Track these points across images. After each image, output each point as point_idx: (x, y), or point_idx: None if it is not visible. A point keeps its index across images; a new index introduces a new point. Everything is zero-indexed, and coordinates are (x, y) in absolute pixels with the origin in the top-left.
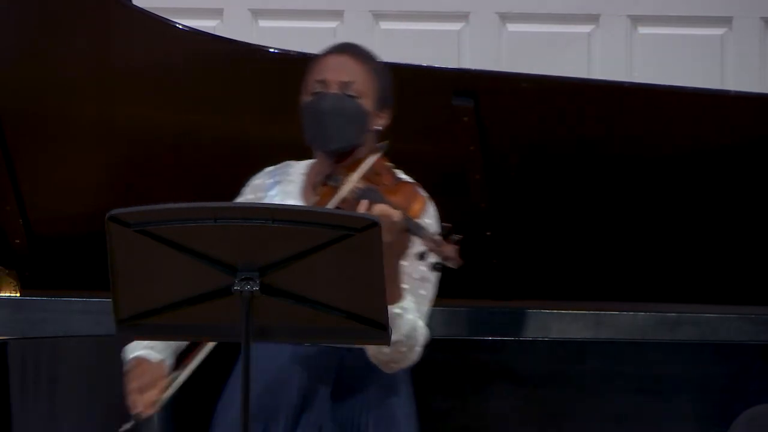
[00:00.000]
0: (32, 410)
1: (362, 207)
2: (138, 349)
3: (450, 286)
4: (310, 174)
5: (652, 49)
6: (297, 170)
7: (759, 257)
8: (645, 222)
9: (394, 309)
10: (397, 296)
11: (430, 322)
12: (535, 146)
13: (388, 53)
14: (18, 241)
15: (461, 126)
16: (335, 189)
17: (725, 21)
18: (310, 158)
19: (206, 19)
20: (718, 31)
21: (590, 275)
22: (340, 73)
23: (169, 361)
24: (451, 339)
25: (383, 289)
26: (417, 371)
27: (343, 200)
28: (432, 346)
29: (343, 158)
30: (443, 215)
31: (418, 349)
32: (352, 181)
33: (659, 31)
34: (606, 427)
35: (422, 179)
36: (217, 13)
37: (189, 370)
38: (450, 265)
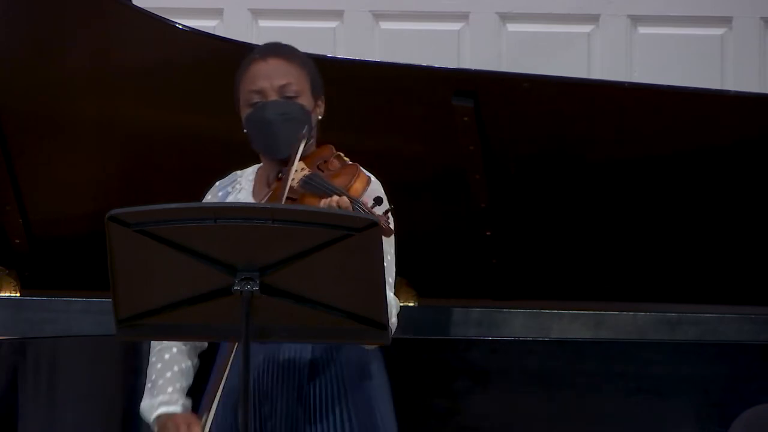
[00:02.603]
0: (32, 410)
1: (322, 202)
2: (156, 409)
3: (450, 287)
4: (260, 176)
5: (652, 49)
6: (245, 177)
7: (759, 257)
8: (645, 222)
9: None
10: None
11: (436, 322)
12: (535, 146)
13: (388, 53)
14: (18, 241)
15: (461, 126)
16: (284, 180)
17: (725, 21)
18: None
19: (206, 19)
20: (718, 31)
21: (590, 275)
22: (274, 77)
23: (187, 402)
24: (451, 339)
25: (383, 288)
26: (417, 371)
27: (290, 189)
28: (432, 346)
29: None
30: (443, 215)
31: (393, 320)
32: (296, 170)
33: (659, 31)
34: (606, 427)
35: (422, 179)
36: (217, 13)
37: (215, 402)
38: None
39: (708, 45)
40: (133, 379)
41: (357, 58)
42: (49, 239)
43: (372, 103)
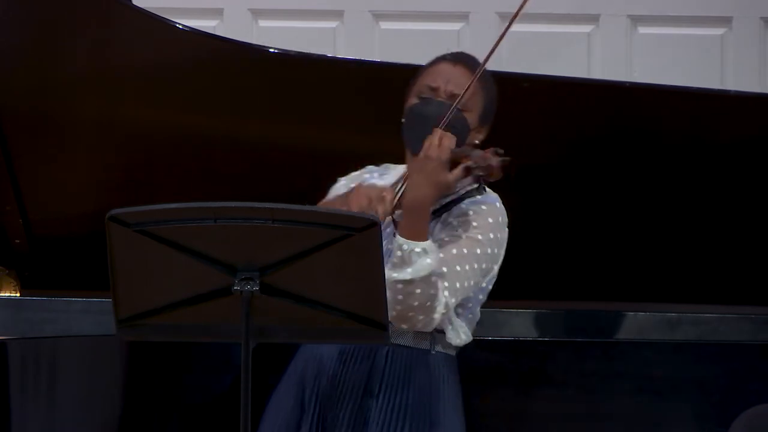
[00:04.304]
0: (32, 410)
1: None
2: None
3: None
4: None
5: (652, 49)
6: (397, 170)
7: (759, 257)
8: (645, 222)
9: (415, 247)
10: (422, 233)
11: None
12: (535, 146)
13: (388, 53)
14: (18, 241)
15: None
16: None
17: (725, 21)
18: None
19: (206, 19)
20: (718, 31)
21: (590, 275)
22: (452, 82)
23: None
24: None
25: (383, 288)
26: None
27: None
28: None
29: None
30: None
31: (436, 317)
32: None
33: (659, 31)
34: (606, 427)
35: None
36: (217, 13)
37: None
38: (491, 177)
39: (708, 45)
40: (133, 379)
41: (357, 58)
42: (49, 239)
43: (372, 103)
